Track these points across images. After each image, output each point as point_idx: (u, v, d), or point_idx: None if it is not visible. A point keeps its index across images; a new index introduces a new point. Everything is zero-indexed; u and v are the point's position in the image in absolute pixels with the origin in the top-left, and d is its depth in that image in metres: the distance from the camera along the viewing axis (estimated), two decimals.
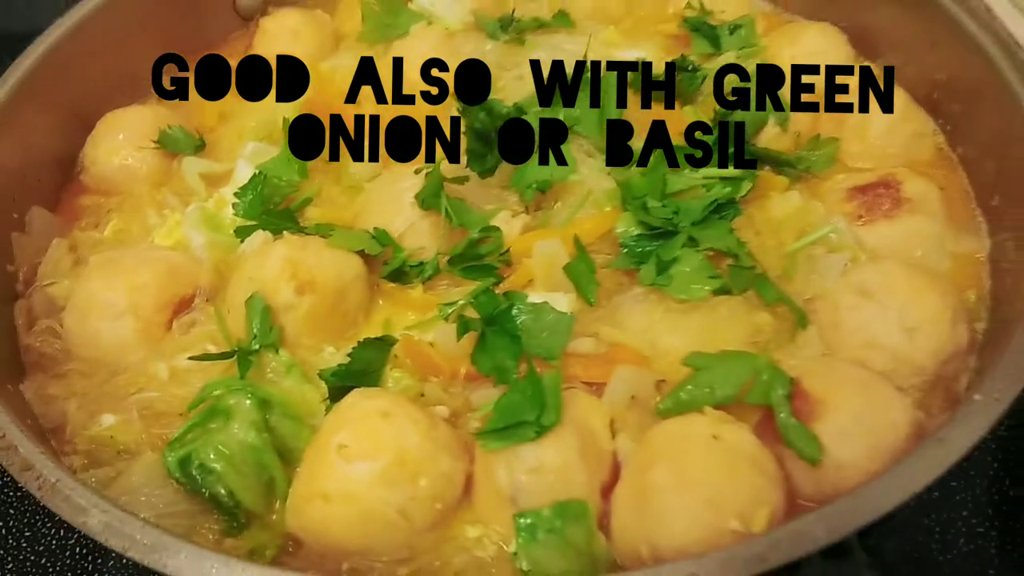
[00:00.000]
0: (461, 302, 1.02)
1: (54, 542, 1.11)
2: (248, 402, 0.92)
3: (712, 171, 1.09)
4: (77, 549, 1.10)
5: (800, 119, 1.24)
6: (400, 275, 1.09)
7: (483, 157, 1.12)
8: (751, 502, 0.80)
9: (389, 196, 1.14)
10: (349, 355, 0.96)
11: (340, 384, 0.94)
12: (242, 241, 1.12)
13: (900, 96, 1.25)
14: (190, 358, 0.99)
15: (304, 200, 1.19)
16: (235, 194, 1.17)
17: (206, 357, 0.98)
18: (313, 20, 1.49)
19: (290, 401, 0.96)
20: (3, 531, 1.12)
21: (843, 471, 0.86)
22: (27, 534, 1.12)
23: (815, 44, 1.33)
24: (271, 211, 1.15)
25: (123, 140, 1.29)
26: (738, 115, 1.17)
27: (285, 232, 1.11)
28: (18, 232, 1.17)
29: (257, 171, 1.18)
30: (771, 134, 1.22)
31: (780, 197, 1.13)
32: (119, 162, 1.28)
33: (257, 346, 0.98)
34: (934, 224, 1.11)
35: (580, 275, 1.05)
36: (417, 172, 1.10)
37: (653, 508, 0.81)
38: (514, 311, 0.98)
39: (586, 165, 1.15)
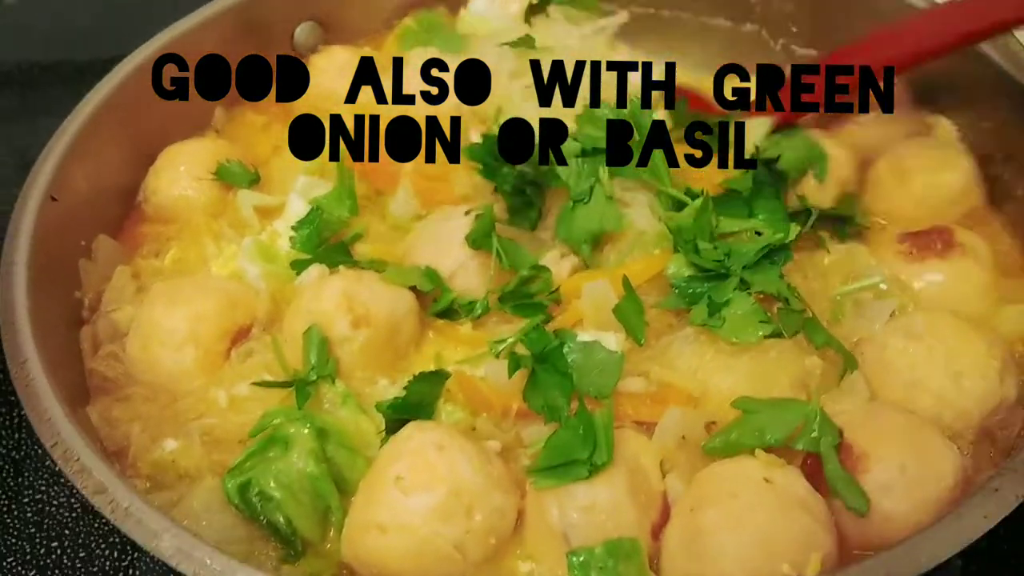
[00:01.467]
0: (512, 339, 1.04)
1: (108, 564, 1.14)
2: (307, 432, 0.95)
3: (758, 221, 1.11)
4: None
5: (840, 167, 1.25)
6: (450, 312, 1.12)
7: (524, 212, 1.15)
8: (803, 547, 0.81)
9: (438, 235, 1.17)
10: (405, 388, 0.98)
11: (396, 416, 0.97)
12: (298, 274, 1.16)
13: (954, 148, 1.27)
14: (253, 383, 1.02)
15: (354, 236, 1.23)
16: (292, 227, 1.21)
17: (267, 384, 1.02)
18: (360, 57, 1.55)
19: (346, 431, 0.98)
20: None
21: (889, 523, 0.87)
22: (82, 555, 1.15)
23: None
24: (326, 246, 1.19)
25: (183, 172, 1.33)
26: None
27: (340, 266, 1.14)
28: (85, 259, 1.21)
29: (313, 206, 1.22)
30: (811, 185, 1.23)
31: (828, 243, 1.14)
32: (179, 192, 1.32)
33: (315, 377, 1.01)
34: (984, 272, 1.12)
35: (629, 315, 1.07)
36: (467, 213, 1.14)
37: (704, 549, 0.82)
38: (565, 349, 1.00)
39: (634, 207, 1.17)
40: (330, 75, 1.50)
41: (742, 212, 1.13)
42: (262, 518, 0.92)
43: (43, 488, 1.22)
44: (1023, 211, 1.23)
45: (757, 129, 1.21)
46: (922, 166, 1.23)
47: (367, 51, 1.59)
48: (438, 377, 1.01)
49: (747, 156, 1.16)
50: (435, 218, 1.21)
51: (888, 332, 1.04)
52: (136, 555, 1.14)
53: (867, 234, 1.21)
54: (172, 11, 1.92)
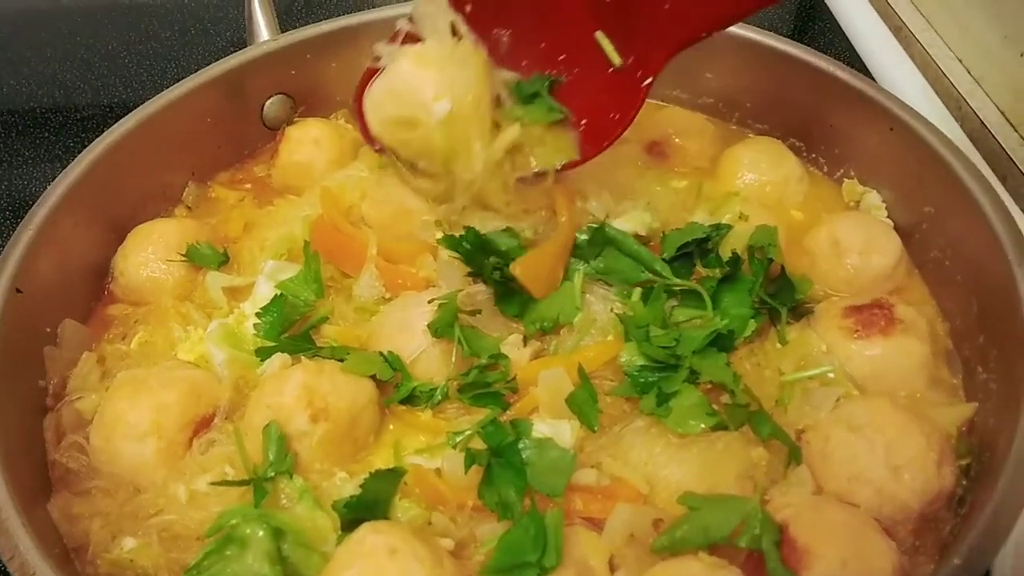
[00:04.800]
0: (468, 432, 1.07)
1: None
2: (262, 533, 0.97)
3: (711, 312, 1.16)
4: None
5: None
6: (410, 399, 1.15)
7: (509, 299, 1.20)
8: None
9: (401, 321, 1.20)
10: (361, 486, 1.00)
11: (352, 516, 0.99)
12: (262, 361, 1.18)
13: (883, 228, 1.33)
14: (211, 483, 1.04)
15: (320, 318, 1.26)
16: (256, 314, 1.23)
17: (225, 483, 1.03)
18: (334, 130, 1.58)
19: (302, 529, 1.00)
20: None
21: None
22: None
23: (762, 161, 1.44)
24: (290, 335, 1.21)
25: (151, 253, 1.35)
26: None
27: (302, 356, 1.17)
28: (51, 346, 1.22)
29: (278, 292, 1.25)
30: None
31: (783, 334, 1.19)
32: (147, 274, 1.34)
33: (272, 473, 1.03)
34: (924, 347, 1.17)
35: (582, 404, 1.10)
36: (431, 302, 1.17)
37: None
38: (520, 444, 1.03)
39: (593, 295, 1.21)
40: (304, 147, 1.53)
41: (700, 305, 1.17)
42: None
43: None
44: (940, 272, 1.29)
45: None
46: (857, 246, 1.29)
47: (340, 124, 1.63)
48: (394, 475, 1.03)
49: (726, 262, 1.21)
50: (399, 304, 1.24)
51: (831, 422, 1.08)
52: None
53: (814, 307, 1.25)
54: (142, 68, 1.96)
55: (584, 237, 1.24)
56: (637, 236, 1.27)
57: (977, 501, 0.98)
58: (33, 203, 1.27)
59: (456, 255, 1.19)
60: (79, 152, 1.35)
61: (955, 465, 1.05)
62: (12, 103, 2.06)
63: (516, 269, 1.15)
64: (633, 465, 1.05)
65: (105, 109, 2.03)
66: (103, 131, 1.38)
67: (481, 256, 1.18)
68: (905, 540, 1.00)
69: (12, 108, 2.04)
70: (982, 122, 1.68)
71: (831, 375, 1.16)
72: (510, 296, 1.19)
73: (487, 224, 1.24)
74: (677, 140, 1.54)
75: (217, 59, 1.52)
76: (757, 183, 1.44)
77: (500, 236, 1.21)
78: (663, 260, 1.24)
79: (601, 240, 1.24)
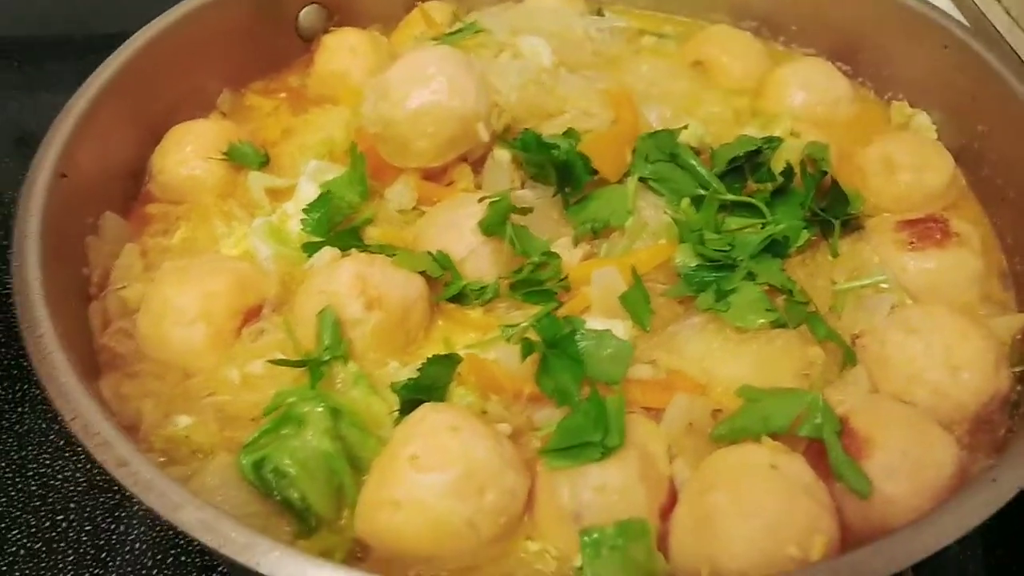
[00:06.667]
0: (523, 324, 1.06)
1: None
2: (320, 410, 0.96)
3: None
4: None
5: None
6: (460, 297, 1.14)
7: (547, 180, 1.18)
8: (808, 530, 0.83)
9: (450, 221, 1.18)
10: (418, 370, 1.00)
11: (410, 397, 0.98)
12: (309, 256, 1.17)
13: (936, 147, 1.32)
14: (268, 361, 1.03)
15: (365, 220, 1.24)
16: (303, 210, 1.21)
17: (283, 362, 1.02)
18: (371, 39, 1.55)
19: (358, 411, 1.00)
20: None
21: (891, 506, 0.89)
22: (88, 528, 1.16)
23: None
24: (337, 229, 1.20)
25: (191, 152, 1.33)
26: None
27: (352, 250, 1.15)
28: (93, 236, 1.21)
29: (325, 190, 1.23)
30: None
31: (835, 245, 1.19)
32: (187, 172, 1.32)
33: (328, 357, 1.02)
34: (978, 261, 1.16)
35: (635, 303, 1.09)
36: (481, 201, 1.15)
37: (713, 532, 0.84)
38: (576, 336, 1.02)
39: (644, 200, 1.20)
40: (341, 56, 1.50)
41: (751, 216, 1.16)
42: (276, 494, 0.93)
43: (47, 462, 1.22)
44: (991, 190, 1.28)
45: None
46: (909, 163, 1.27)
47: (376, 34, 1.60)
48: (451, 360, 1.02)
49: (778, 174, 1.20)
50: (446, 205, 1.22)
51: (888, 326, 1.07)
52: (142, 529, 1.15)
53: (866, 222, 1.24)
54: None
55: (640, 142, 1.22)
56: (689, 148, 1.26)
57: None
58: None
59: (514, 152, 1.17)
60: None
61: (1010, 370, 1.05)
62: (36, 27, 2.00)
63: (584, 146, 1.13)
64: (690, 360, 1.04)
65: (132, 32, 1.98)
66: None
67: (540, 156, 1.16)
68: (961, 440, 1.00)
69: (30, 34, 1.98)
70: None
71: (884, 284, 1.15)
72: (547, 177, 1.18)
73: (544, 128, 1.22)
74: (724, 59, 1.51)
75: None
76: (807, 103, 1.42)
77: (559, 138, 1.19)
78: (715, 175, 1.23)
79: (656, 147, 1.22)
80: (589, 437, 0.90)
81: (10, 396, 1.30)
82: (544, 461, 0.92)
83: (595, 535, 0.86)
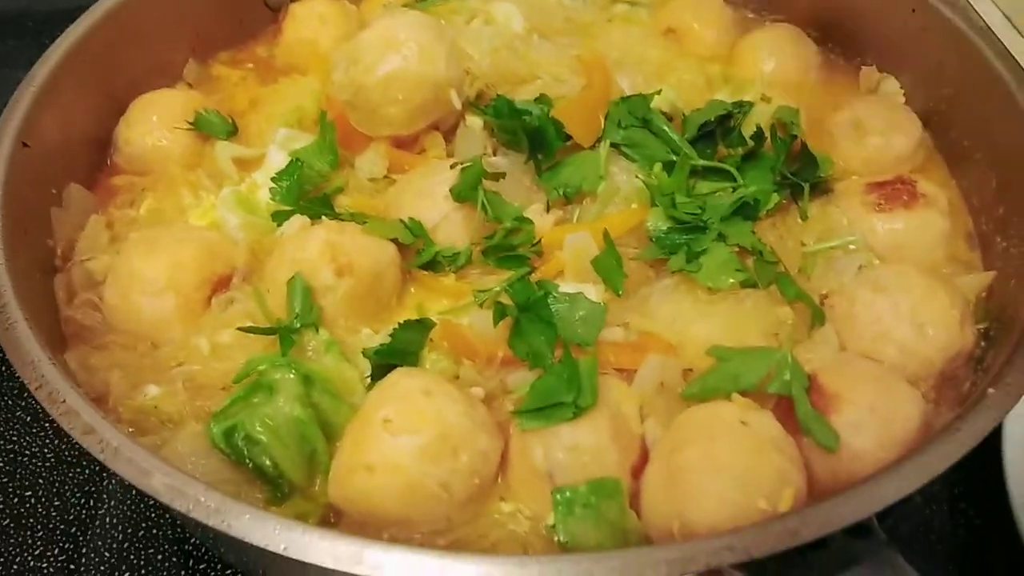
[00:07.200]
0: (496, 288, 1.06)
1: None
2: (292, 377, 0.96)
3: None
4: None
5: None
6: (433, 264, 1.13)
7: (519, 146, 1.18)
8: (777, 483, 0.84)
9: (422, 188, 1.17)
10: (390, 335, 1.00)
11: (382, 362, 0.98)
12: (279, 225, 1.16)
13: (904, 110, 1.33)
14: (238, 329, 1.02)
15: (335, 188, 1.23)
16: (272, 179, 1.20)
17: (253, 330, 1.01)
18: (340, 8, 1.53)
19: (330, 378, 0.99)
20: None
21: (858, 460, 0.91)
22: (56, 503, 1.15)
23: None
24: (307, 198, 1.18)
25: (156, 121, 1.31)
26: None
27: (323, 217, 1.14)
28: (57, 208, 1.19)
29: (293, 158, 1.22)
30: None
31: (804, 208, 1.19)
32: (152, 143, 1.30)
33: (299, 324, 1.02)
34: (945, 221, 1.18)
35: (608, 267, 1.10)
36: (453, 167, 1.14)
37: (684, 488, 0.85)
38: (549, 300, 1.02)
39: (616, 166, 1.20)
40: (310, 24, 1.48)
41: (722, 180, 1.17)
42: (248, 462, 0.92)
43: (14, 439, 1.21)
44: (958, 152, 1.30)
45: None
46: (878, 127, 1.28)
47: (345, 2, 1.58)
48: (423, 325, 1.02)
49: (749, 138, 1.20)
50: (418, 173, 1.21)
51: (856, 285, 1.09)
52: (112, 503, 1.14)
53: (835, 185, 1.25)
54: None
55: (612, 107, 1.22)
56: (661, 113, 1.26)
57: (999, 355, 0.99)
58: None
59: (486, 119, 1.16)
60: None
61: (975, 326, 1.07)
62: None
63: (557, 112, 1.12)
64: (661, 322, 1.05)
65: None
66: None
67: (513, 122, 1.15)
68: (927, 395, 1.02)
69: None
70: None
71: (852, 246, 1.16)
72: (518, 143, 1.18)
73: (517, 94, 1.21)
74: (696, 26, 1.51)
75: None
76: (778, 69, 1.42)
77: (531, 104, 1.19)
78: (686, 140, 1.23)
79: (628, 113, 1.22)
80: (562, 397, 0.91)
81: None
82: (517, 422, 0.92)
83: (568, 494, 0.87)
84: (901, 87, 1.41)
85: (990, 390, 0.87)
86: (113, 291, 1.09)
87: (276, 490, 0.93)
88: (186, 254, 1.09)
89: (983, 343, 1.08)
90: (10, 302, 0.94)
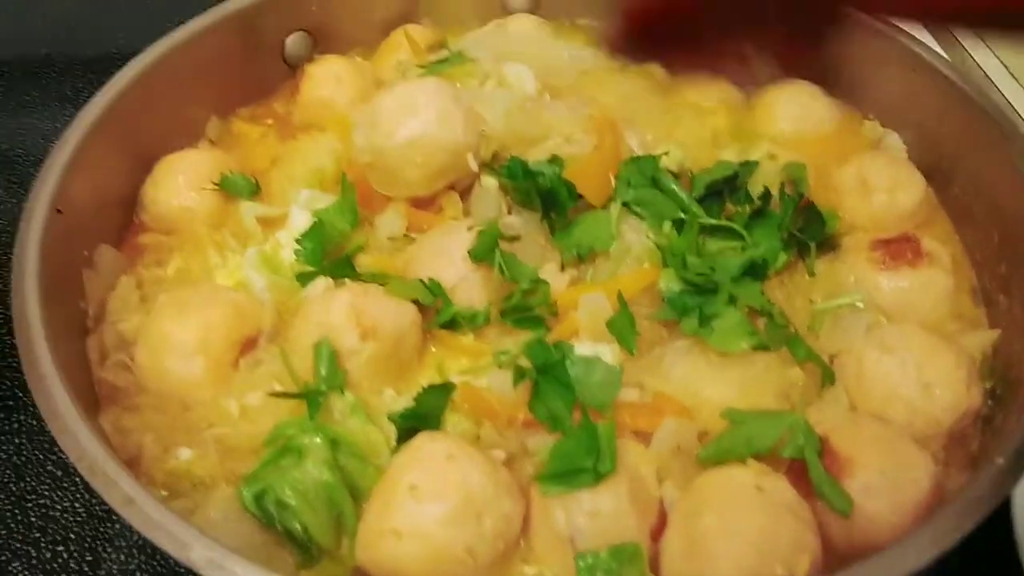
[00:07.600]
0: (515, 350, 1.09)
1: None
2: (319, 441, 0.99)
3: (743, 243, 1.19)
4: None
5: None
6: (452, 324, 1.17)
7: (533, 205, 1.22)
8: (794, 549, 0.87)
9: (440, 249, 1.21)
10: (414, 399, 1.03)
11: (406, 426, 1.01)
12: (304, 286, 1.19)
13: (908, 167, 1.37)
14: (268, 394, 1.05)
15: (356, 247, 1.26)
16: (296, 240, 1.24)
17: (280, 394, 1.05)
18: (355, 67, 1.57)
19: (356, 441, 1.02)
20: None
21: (871, 524, 0.94)
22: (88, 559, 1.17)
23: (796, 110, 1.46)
24: (331, 259, 1.22)
25: (183, 182, 1.35)
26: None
27: (345, 279, 1.18)
28: (88, 269, 1.22)
29: (317, 219, 1.26)
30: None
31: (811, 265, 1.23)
32: (179, 203, 1.33)
33: (325, 388, 1.05)
34: (949, 279, 1.21)
35: (622, 328, 1.13)
36: (470, 229, 1.18)
37: (703, 553, 0.88)
38: (567, 363, 1.05)
39: (627, 225, 1.23)
40: (327, 85, 1.53)
41: (730, 239, 1.20)
42: (278, 525, 0.95)
43: (46, 492, 1.24)
44: (960, 208, 1.34)
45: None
46: (883, 184, 1.32)
47: (359, 60, 1.63)
48: (445, 389, 1.05)
49: (757, 196, 1.24)
50: (436, 233, 1.25)
51: (864, 345, 1.12)
52: (143, 559, 1.17)
53: (841, 240, 1.28)
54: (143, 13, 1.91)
55: (623, 168, 1.26)
56: (668, 172, 1.30)
57: (1007, 416, 1.02)
58: (41, 146, 1.25)
59: (501, 180, 1.21)
60: (89, 95, 1.33)
61: (982, 385, 1.10)
62: (19, 48, 2.01)
63: (569, 172, 1.17)
64: (676, 383, 1.08)
65: (113, 54, 1.99)
66: (112, 74, 1.36)
67: (527, 183, 1.19)
68: (936, 455, 1.05)
69: (18, 53, 1.99)
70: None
71: (860, 304, 1.19)
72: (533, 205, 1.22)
73: (529, 154, 1.25)
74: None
75: None
76: (796, 125, 1.46)
77: (544, 165, 1.23)
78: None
79: (638, 172, 1.26)
80: (582, 463, 0.94)
81: (7, 427, 1.31)
82: (538, 487, 0.95)
83: (590, 560, 0.89)
84: (904, 143, 1.45)
85: (999, 460, 0.90)
86: (144, 353, 1.12)
87: (306, 553, 0.96)
88: (216, 316, 1.12)
89: (990, 402, 1.11)
90: (48, 372, 0.98)
